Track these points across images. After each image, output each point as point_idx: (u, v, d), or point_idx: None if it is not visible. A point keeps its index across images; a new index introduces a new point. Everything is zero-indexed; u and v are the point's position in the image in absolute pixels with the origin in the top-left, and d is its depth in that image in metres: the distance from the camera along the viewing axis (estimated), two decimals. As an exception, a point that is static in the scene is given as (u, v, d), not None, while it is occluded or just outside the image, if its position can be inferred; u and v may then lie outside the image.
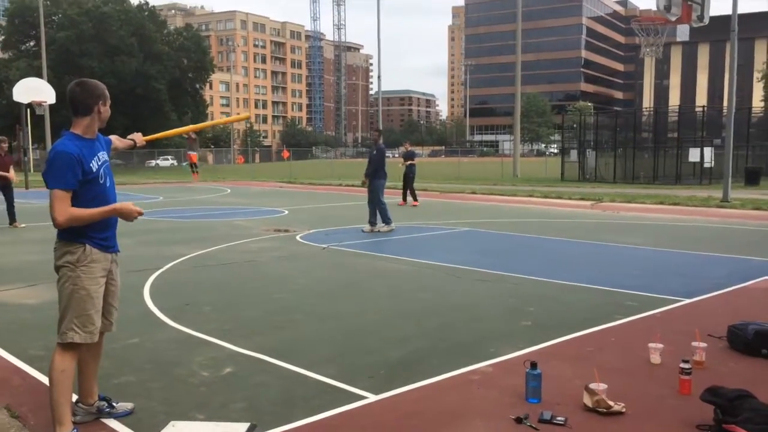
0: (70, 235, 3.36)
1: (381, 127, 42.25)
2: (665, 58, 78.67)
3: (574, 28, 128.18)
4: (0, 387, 4.18)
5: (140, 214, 3.49)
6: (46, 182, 3.32)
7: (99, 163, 3.42)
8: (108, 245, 3.51)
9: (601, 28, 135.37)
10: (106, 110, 3.49)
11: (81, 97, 3.41)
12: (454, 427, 3.57)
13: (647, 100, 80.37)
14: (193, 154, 26.39)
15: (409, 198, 18.88)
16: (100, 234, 3.44)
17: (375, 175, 12.34)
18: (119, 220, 3.56)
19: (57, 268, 3.41)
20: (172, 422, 3.57)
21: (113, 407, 3.71)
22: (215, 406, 3.86)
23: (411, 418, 3.69)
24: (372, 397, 3.98)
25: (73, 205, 3.30)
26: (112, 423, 3.63)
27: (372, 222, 12.29)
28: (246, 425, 3.51)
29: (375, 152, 12.49)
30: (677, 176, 27.49)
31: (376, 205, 12.31)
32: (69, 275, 3.36)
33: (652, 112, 33.20)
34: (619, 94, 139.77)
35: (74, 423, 3.45)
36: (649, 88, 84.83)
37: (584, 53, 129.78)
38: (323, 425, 3.60)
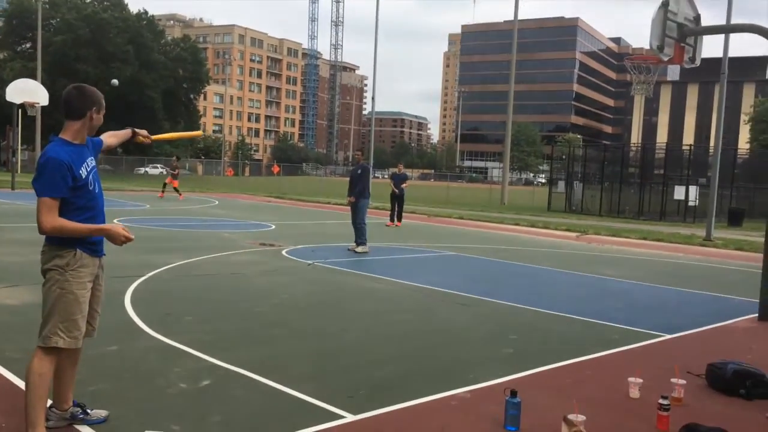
0: (61, 239, 3.34)
1: (372, 147, 42.33)
2: (655, 96, 79.89)
3: (568, 61, 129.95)
4: (-27, 388, 4.11)
5: (129, 240, 3.41)
6: (35, 189, 3.27)
7: (88, 170, 3.39)
8: (97, 249, 3.50)
9: (593, 63, 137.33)
10: (98, 118, 3.46)
11: (76, 100, 3.39)
12: (431, 451, 3.55)
13: (635, 136, 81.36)
14: (175, 181, 26.63)
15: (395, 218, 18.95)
16: (90, 239, 3.42)
17: (361, 195, 12.38)
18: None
19: (44, 272, 3.38)
20: (146, 431, 3.52)
21: (87, 414, 3.66)
22: (192, 418, 3.82)
23: (388, 440, 3.67)
24: (350, 417, 3.96)
25: (63, 212, 3.28)
26: (85, 430, 3.58)
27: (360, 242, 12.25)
28: None
29: (360, 171, 12.55)
30: (662, 213, 27.74)
31: (356, 225, 12.27)
32: (57, 279, 3.32)
33: (639, 148, 33.57)
34: (608, 128, 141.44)
35: (47, 428, 3.40)
36: (637, 124, 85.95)
37: (576, 87, 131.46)
38: (299, 443, 3.57)
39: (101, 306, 3.67)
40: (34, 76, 38.91)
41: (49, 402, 3.56)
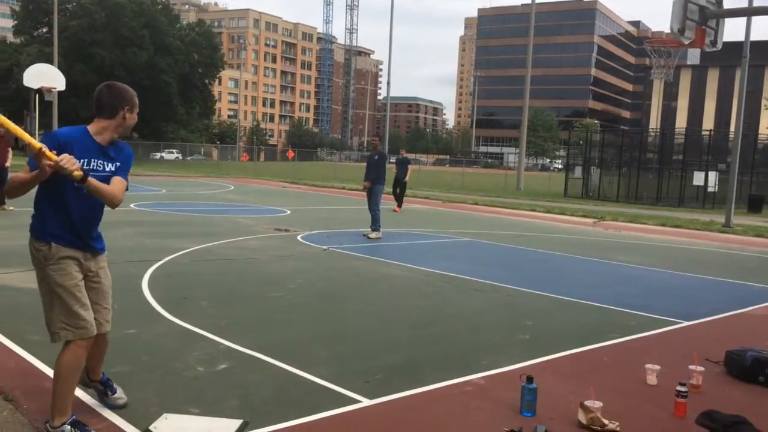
0: (36, 232, 3.27)
1: (387, 132, 42.18)
2: (674, 80, 78.81)
3: (586, 45, 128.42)
4: (-6, 370, 4.16)
5: (43, 157, 2.98)
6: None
7: (84, 167, 3.15)
8: (72, 241, 3.29)
9: (612, 47, 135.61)
10: (132, 117, 3.36)
11: (107, 98, 3.30)
12: (447, 437, 3.55)
13: (654, 121, 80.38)
14: None
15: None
16: (64, 233, 3.26)
17: (377, 180, 12.33)
18: (100, 220, 3.41)
19: (34, 265, 3.30)
20: (165, 414, 3.56)
21: (107, 396, 3.70)
22: (209, 401, 3.85)
23: (404, 425, 3.67)
24: (365, 402, 3.97)
25: (39, 191, 3.21)
26: (106, 413, 3.62)
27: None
28: (239, 422, 3.50)
29: (377, 157, 12.45)
30: (680, 199, 27.46)
31: (371, 210, 12.23)
32: (42, 275, 3.26)
33: (658, 133, 33.19)
34: (626, 114, 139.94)
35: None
36: (656, 109, 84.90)
37: (594, 71, 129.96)
38: (316, 426, 3.58)
39: (108, 300, 3.51)
40: (50, 61, 39.11)
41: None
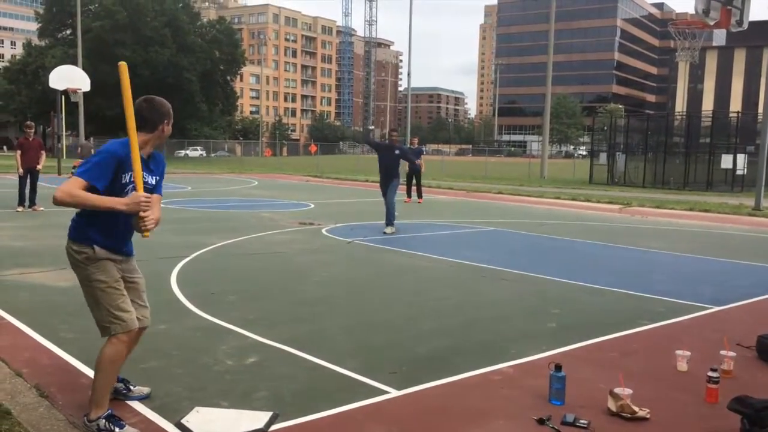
0: (78, 235, 3.40)
1: (409, 123, 42.03)
2: (700, 62, 77.22)
3: (608, 29, 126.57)
4: (29, 367, 4.26)
5: (145, 212, 3.33)
6: (78, 171, 3.31)
7: (127, 180, 3.36)
8: (116, 249, 3.48)
9: (635, 31, 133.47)
10: (168, 129, 3.53)
11: (148, 113, 3.43)
12: (477, 426, 3.56)
13: (680, 105, 79.01)
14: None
15: (414, 195, 18.68)
16: (106, 240, 3.42)
17: (394, 174, 11.96)
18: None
19: (74, 268, 3.45)
20: (196, 408, 3.62)
21: (130, 390, 3.78)
22: (239, 394, 3.90)
23: (433, 415, 3.69)
24: (394, 392, 3.99)
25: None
26: (138, 406, 3.68)
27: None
28: (269, 414, 3.54)
29: (398, 152, 12.08)
30: (708, 183, 27.01)
31: (389, 205, 11.77)
32: (85, 274, 3.40)
33: (685, 117, 32.64)
34: (651, 98, 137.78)
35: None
36: (682, 92, 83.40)
37: (617, 55, 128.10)
38: (345, 418, 3.61)
39: (144, 298, 3.68)
40: (75, 63, 39.68)
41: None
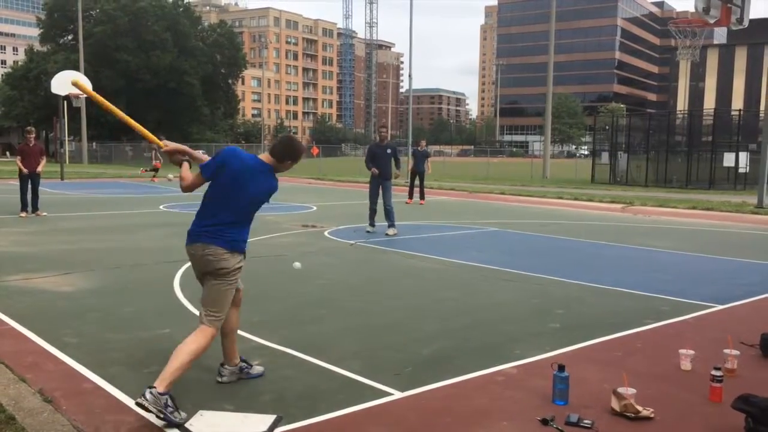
0: (235, 246, 3.90)
1: (411, 125, 41.98)
2: (701, 60, 77.17)
3: (609, 29, 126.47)
4: (33, 372, 4.27)
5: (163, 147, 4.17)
6: None
7: (238, 178, 3.86)
8: None
9: (636, 30, 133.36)
10: (287, 165, 4.04)
11: (284, 148, 4.00)
12: (480, 427, 3.56)
13: (681, 103, 78.92)
14: (158, 162, 27.75)
15: (416, 196, 18.63)
16: (245, 247, 4.01)
17: (386, 176, 11.61)
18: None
19: (220, 272, 3.83)
20: (200, 411, 3.62)
21: (250, 367, 4.24)
22: (242, 397, 3.91)
23: (436, 417, 3.69)
24: (397, 394, 3.99)
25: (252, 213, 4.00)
26: (137, 408, 3.68)
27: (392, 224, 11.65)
28: (272, 417, 3.54)
29: (390, 151, 11.75)
30: (711, 181, 26.97)
31: (387, 206, 11.60)
32: (231, 280, 3.89)
33: (686, 115, 32.59)
34: (652, 96, 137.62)
35: (222, 383, 4.12)
36: (683, 91, 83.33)
37: (618, 54, 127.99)
38: (348, 420, 3.62)
39: None
40: (77, 68, 39.80)
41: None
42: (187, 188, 3.98)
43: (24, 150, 13.81)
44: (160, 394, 3.43)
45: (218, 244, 3.82)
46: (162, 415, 3.39)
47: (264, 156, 3.99)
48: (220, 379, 4.11)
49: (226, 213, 3.84)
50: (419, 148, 19.36)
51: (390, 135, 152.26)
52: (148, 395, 3.41)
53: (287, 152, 3.98)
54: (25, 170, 13.59)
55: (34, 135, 14.10)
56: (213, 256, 3.82)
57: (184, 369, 3.63)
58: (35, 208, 13.71)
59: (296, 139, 4.18)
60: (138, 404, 3.43)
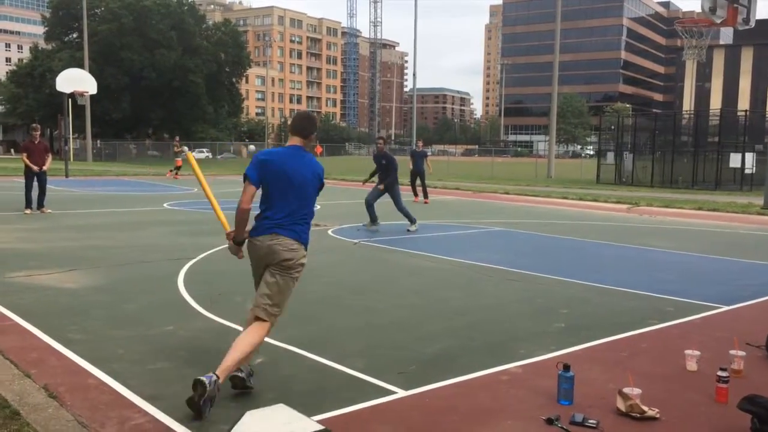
0: (304, 238, 4.05)
1: (414, 124, 41.86)
2: (707, 60, 76.90)
3: (614, 28, 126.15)
4: (38, 367, 4.27)
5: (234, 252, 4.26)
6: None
7: (285, 169, 3.99)
8: None
9: (642, 30, 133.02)
10: (313, 140, 4.22)
11: (304, 122, 4.13)
12: (484, 426, 3.55)
13: (687, 103, 78.66)
14: (179, 160, 28.07)
15: (420, 195, 18.73)
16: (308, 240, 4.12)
17: (394, 183, 12.19)
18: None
19: (288, 265, 3.96)
20: (248, 412, 3.46)
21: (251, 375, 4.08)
22: (247, 395, 3.90)
23: (440, 415, 3.67)
24: (401, 392, 3.98)
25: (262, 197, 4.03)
26: (147, 407, 3.68)
27: (413, 219, 12.19)
28: (321, 427, 3.30)
29: (385, 162, 12.22)
30: (717, 182, 26.87)
31: (401, 210, 12.21)
32: (294, 274, 4.01)
33: (692, 116, 32.49)
34: (658, 97, 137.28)
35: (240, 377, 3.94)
36: (689, 91, 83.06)
37: (624, 54, 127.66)
38: (352, 418, 3.61)
39: None
40: (81, 66, 39.88)
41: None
42: (246, 203, 4.00)
43: (29, 147, 13.82)
44: (217, 383, 3.57)
45: (287, 235, 3.95)
46: (208, 402, 3.52)
47: (290, 141, 4.11)
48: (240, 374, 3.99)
49: (289, 204, 3.98)
50: (417, 149, 19.52)
51: (393, 134, 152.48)
52: (209, 381, 3.54)
53: (308, 124, 4.11)
54: (35, 168, 13.61)
55: (39, 132, 14.12)
56: (281, 246, 3.93)
57: (246, 359, 3.84)
58: (41, 205, 13.73)
59: (307, 111, 4.37)
60: (197, 381, 3.53)
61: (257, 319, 3.96)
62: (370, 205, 12.17)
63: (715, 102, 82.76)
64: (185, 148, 22.71)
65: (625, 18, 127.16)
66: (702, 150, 28.46)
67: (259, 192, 4.05)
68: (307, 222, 4.09)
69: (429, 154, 20.64)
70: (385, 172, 12.26)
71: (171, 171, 29.31)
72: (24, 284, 6.83)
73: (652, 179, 28.51)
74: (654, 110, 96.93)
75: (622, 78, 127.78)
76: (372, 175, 13.10)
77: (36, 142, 13.84)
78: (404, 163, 18.87)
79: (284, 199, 3.98)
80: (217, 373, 3.62)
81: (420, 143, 20.50)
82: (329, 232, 11.59)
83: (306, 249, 4.08)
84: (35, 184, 13.71)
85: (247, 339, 3.85)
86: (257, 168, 3.98)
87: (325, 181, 4.30)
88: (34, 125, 14.49)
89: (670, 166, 28.48)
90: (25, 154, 13.78)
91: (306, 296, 6.63)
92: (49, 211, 13.68)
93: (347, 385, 4.11)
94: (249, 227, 4.08)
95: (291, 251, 3.95)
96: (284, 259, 3.93)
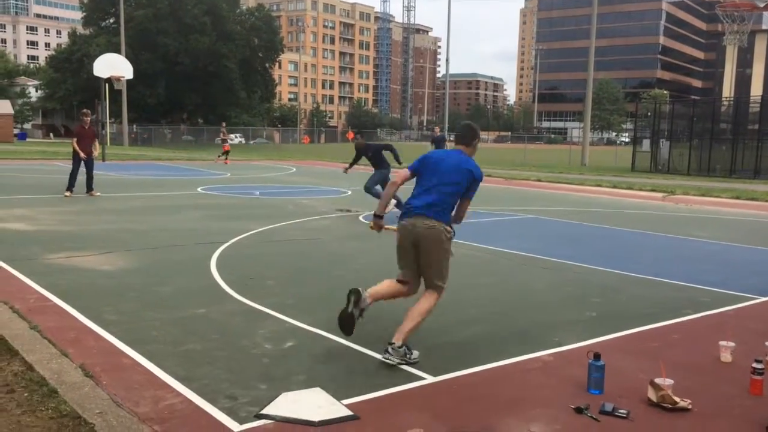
0: (449, 220, 4.55)
1: (447, 110, 41.66)
2: (749, 45, 74.74)
3: (653, 13, 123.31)
4: (75, 347, 4.38)
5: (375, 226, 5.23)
6: None
7: (435, 162, 4.60)
8: None
9: (681, 14, 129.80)
10: (475, 146, 4.77)
11: (465, 131, 4.76)
12: (513, 414, 3.54)
13: (727, 90, 76.69)
14: (227, 145, 28.41)
15: None
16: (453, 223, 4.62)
17: (376, 167, 12.41)
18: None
19: (439, 243, 4.44)
20: (284, 393, 3.60)
21: (411, 353, 4.31)
22: (277, 377, 3.95)
23: (469, 402, 3.68)
24: (430, 378, 3.99)
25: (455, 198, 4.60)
26: (180, 388, 3.75)
27: None
28: (349, 413, 3.45)
29: (371, 153, 12.51)
30: (756, 170, 26.21)
31: (373, 190, 12.19)
32: (446, 247, 4.51)
33: (732, 102, 31.68)
34: (697, 83, 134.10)
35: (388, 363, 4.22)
36: (729, 77, 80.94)
37: (662, 39, 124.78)
38: (381, 402, 3.63)
39: None
40: (118, 51, 40.44)
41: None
42: (395, 183, 4.80)
43: (80, 132, 14.09)
44: (398, 347, 4.15)
45: (438, 219, 4.45)
46: (404, 362, 4.13)
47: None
48: (387, 359, 4.18)
49: (437, 192, 4.49)
50: (436, 134, 19.76)
51: (425, 120, 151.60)
52: (390, 350, 4.15)
53: (469, 132, 4.72)
54: (83, 155, 13.88)
55: (89, 117, 14.35)
56: (436, 227, 4.43)
57: (417, 326, 4.34)
58: (90, 189, 14.01)
59: (467, 122, 4.91)
60: (384, 360, 4.14)
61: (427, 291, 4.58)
62: (368, 190, 12.11)
63: (756, 88, 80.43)
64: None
65: (664, 2, 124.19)
66: (741, 137, 27.76)
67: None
68: (447, 206, 4.65)
69: (447, 139, 20.87)
70: (380, 157, 12.47)
71: (219, 156, 29.53)
72: (63, 266, 7.00)
73: (688, 167, 27.93)
74: (692, 97, 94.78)
75: (660, 63, 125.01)
76: (353, 162, 13.05)
77: (86, 128, 14.10)
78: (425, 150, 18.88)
79: (435, 186, 4.64)
80: (393, 340, 4.22)
81: (438, 129, 20.78)
82: (360, 218, 11.63)
83: (451, 227, 4.62)
84: (82, 168, 13.99)
85: (418, 308, 4.43)
86: (420, 162, 4.74)
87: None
88: (85, 110, 14.66)
89: (707, 154, 27.87)
90: (75, 140, 14.06)
91: (336, 281, 6.67)
92: (98, 194, 13.96)
93: (377, 369, 4.14)
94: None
95: (444, 232, 4.55)
96: (437, 238, 4.51)
